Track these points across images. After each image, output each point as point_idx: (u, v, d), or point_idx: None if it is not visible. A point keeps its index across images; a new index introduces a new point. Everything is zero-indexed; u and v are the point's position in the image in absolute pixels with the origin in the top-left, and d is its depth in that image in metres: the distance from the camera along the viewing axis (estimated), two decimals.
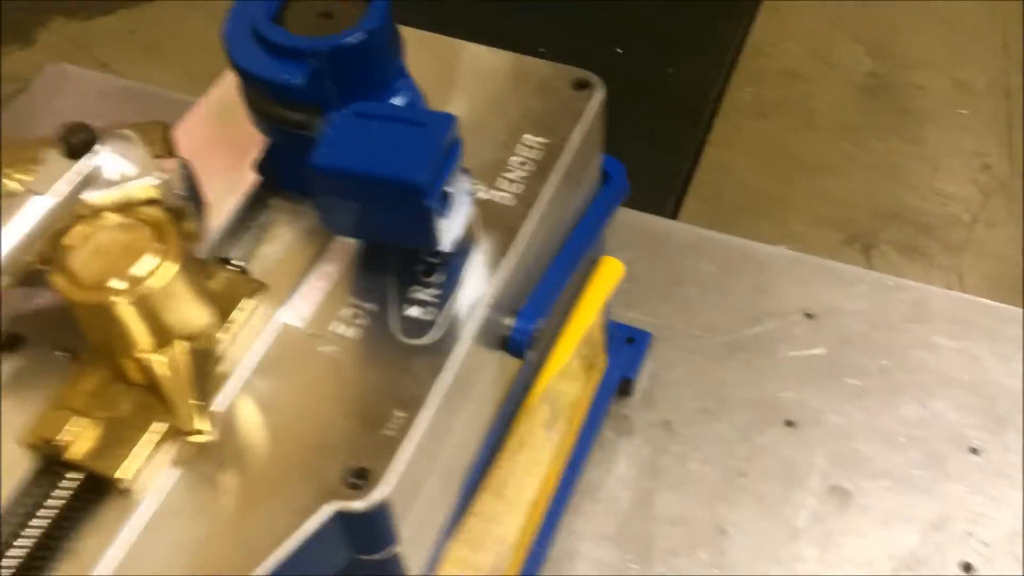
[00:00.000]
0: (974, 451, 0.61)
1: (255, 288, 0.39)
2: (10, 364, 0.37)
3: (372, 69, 0.41)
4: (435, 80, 0.46)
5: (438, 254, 0.40)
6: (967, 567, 0.56)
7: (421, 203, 0.36)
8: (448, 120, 0.37)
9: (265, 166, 0.44)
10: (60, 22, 1.88)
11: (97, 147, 0.34)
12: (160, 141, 0.38)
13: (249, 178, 0.44)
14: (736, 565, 0.58)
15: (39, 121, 0.80)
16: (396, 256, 0.41)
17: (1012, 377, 0.64)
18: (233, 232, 0.43)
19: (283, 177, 0.44)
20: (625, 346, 0.65)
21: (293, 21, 0.41)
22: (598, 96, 0.46)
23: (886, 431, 0.62)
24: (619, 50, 1.79)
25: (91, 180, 0.34)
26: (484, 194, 0.43)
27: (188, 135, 0.45)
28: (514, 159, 0.44)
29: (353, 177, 0.36)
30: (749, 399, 0.65)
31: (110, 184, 0.34)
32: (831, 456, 0.61)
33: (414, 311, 0.39)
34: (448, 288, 0.40)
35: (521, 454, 0.51)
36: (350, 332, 0.39)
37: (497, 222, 0.42)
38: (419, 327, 0.39)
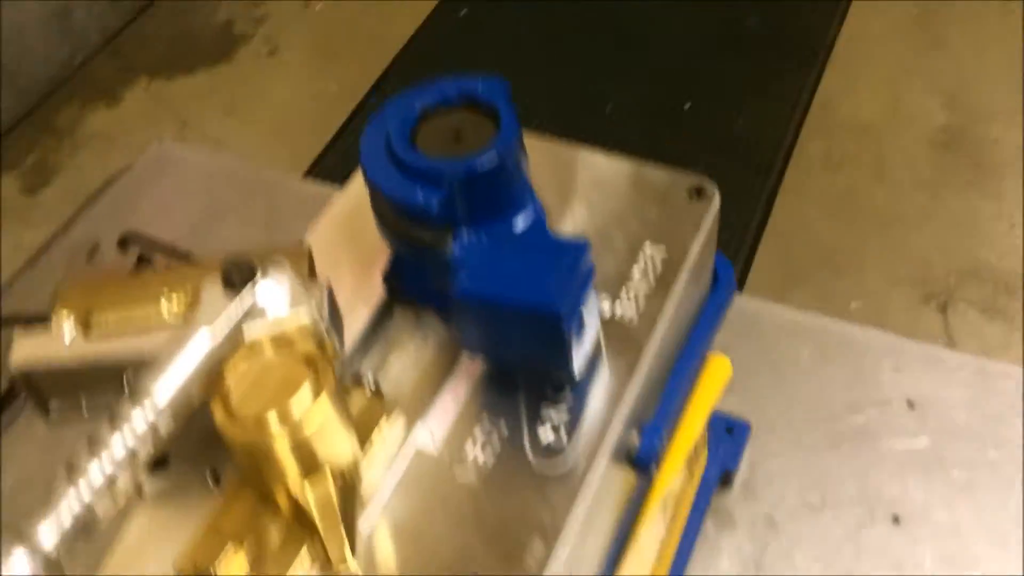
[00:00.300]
0: None
1: (390, 409, 0.40)
2: (155, 484, 0.38)
3: (503, 190, 0.42)
4: (553, 189, 0.47)
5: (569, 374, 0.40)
6: None
7: (559, 329, 0.37)
8: (583, 247, 0.38)
9: (391, 278, 0.45)
10: (144, 82, 1.94)
11: (257, 279, 0.35)
12: (305, 265, 0.39)
13: (376, 289, 0.45)
14: None
15: (145, 201, 0.83)
16: (525, 374, 0.41)
17: None
18: (363, 345, 0.43)
19: (408, 289, 0.45)
20: (725, 436, 0.65)
21: (426, 139, 0.42)
22: (714, 204, 0.47)
23: (998, 530, 0.61)
24: (688, 104, 1.79)
25: (251, 313, 0.35)
26: (608, 308, 0.43)
27: (319, 242, 0.47)
28: (635, 271, 0.44)
29: (494, 303, 0.37)
30: (853, 493, 0.64)
31: (266, 315, 0.35)
32: (941, 556, 0.60)
33: (547, 433, 0.39)
34: (578, 407, 0.40)
35: (632, 555, 0.50)
36: (483, 456, 0.39)
37: (622, 337, 0.42)
38: (552, 451, 0.39)
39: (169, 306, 0.39)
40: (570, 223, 0.46)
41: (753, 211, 1.64)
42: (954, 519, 0.62)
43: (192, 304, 0.38)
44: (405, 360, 0.43)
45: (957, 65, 1.82)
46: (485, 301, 0.37)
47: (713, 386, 0.52)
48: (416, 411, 0.41)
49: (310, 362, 0.35)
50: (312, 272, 0.39)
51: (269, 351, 0.35)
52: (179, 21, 2.10)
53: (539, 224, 0.43)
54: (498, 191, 0.42)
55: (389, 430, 0.39)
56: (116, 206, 0.86)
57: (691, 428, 0.50)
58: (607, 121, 1.79)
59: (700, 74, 1.86)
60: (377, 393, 0.41)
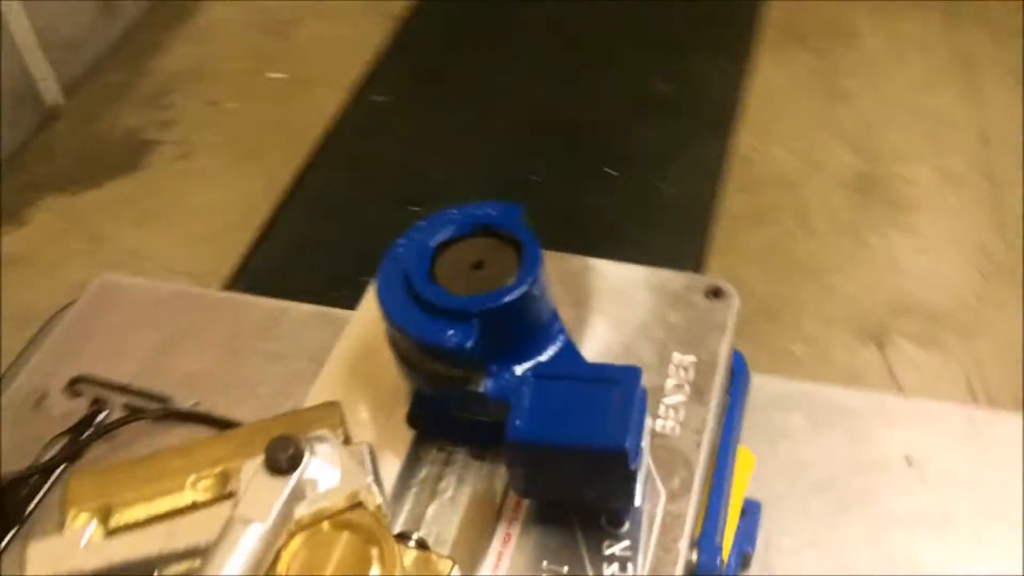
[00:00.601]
0: None
1: (446, 566, 0.38)
2: None
3: (535, 318, 0.40)
4: (572, 304, 0.46)
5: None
6: None
7: (625, 465, 0.35)
8: (636, 374, 0.37)
9: (416, 417, 0.44)
10: (52, 198, 1.87)
11: (305, 461, 0.33)
12: (339, 423, 0.37)
13: (401, 430, 0.43)
14: None
15: (93, 340, 0.78)
16: (579, 509, 0.40)
17: None
18: (398, 494, 0.41)
19: (435, 427, 0.43)
20: (739, 519, 0.64)
21: (445, 274, 0.41)
22: (735, 305, 0.46)
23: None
24: (611, 171, 1.82)
25: (300, 495, 0.32)
26: (652, 426, 0.42)
27: (331, 384, 0.45)
28: (669, 382, 0.44)
29: (554, 448, 0.35)
30: (868, 557, 0.63)
31: (316, 492, 0.33)
32: None
33: (613, 570, 0.38)
34: (638, 537, 0.39)
35: None
36: None
37: (669, 454, 0.41)
38: None
39: (195, 493, 0.36)
40: (593, 339, 0.45)
41: (685, 270, 1.66)
42: (971, 573, 0.62)
43: (223, 484, 0.35)
44: (447, 507, 0.41)
45: (859, 112, 1.90)
46: (544, 446, 0.36)
47: (744, 479, 0.51)
48: (473, 562, 0.39)
49: (372, 541, 0.32)
50: (346, 433, 0.37)
51: (327, 533, 0.33)
52: (83, 132, 2.04)
53: (570, 350, 0.42)
54: (530, 320, 0.40)
55: None
56: (61, 348, 0.80)
57: (731, 527, 0.49)
58: (535, 192, 1.80)
59: (618, 140, 1.89)
60: (426, 549, 0.39)
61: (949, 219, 1.72)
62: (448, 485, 0.42)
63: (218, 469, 0.35)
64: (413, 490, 0.42)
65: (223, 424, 0.58)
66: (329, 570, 0.31)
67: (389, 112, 2.00)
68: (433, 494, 0.42)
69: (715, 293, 0.47)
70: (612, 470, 0.35)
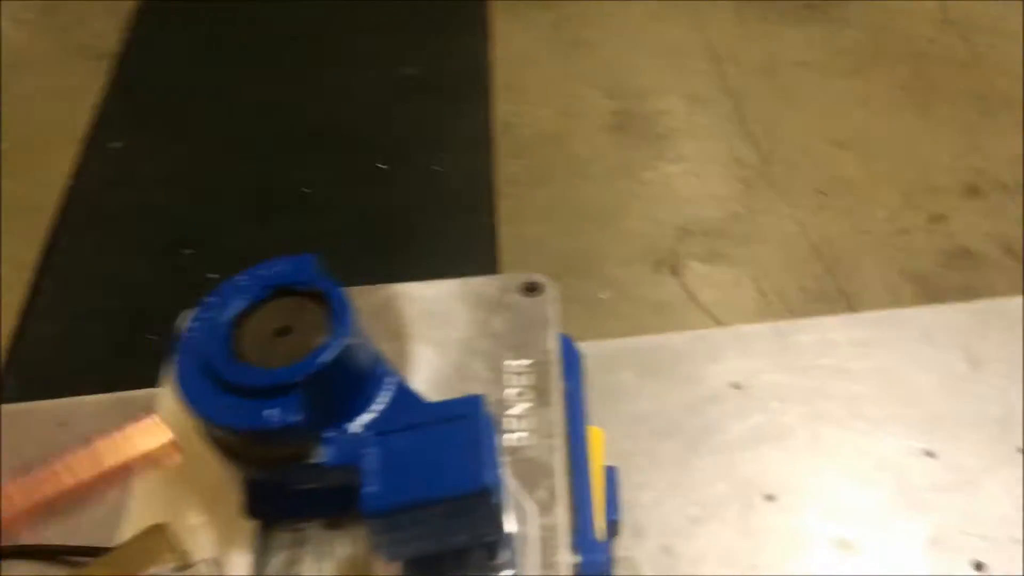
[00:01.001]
0: (930, 454, 0.66)
1: None
2: None
3: (359, 371, 0.38)
4: (389, 337, 0.44)
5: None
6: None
7: (490, 503, 0.34)
8: (477, 404, 0.35)
9: (253, 506, 0.40)
10: None
11: None
12: (171, 547, 0.34)
13: (241, 524, 0.40)
14: None
15: None
16: (451, 554, 0.38)
17: (925, 372, 0.70)
18: None
19: (278, 510, 0.40)
20: None
21: (250, 350, 0.38)
22: (552, 295, 0.46)
23: (859, 471, 0.65)
24: (383, 166, 1.80)
25: None
26: (504, 443, 0.41)
27: (146, 502, 0.41)
28: (509, 392, 0.43)
29: (415, 507, 0.34)
30: (725, 490, 0.66)
31: None
32: (823, 512, 0.64)
33: None
34: (519, 561, 0.38)
35: None
36: None
37: (529, 468, 0.40)
38: None
39: None
40: (420, 369, 0.44)
41: (479, 249, 1.67)
42: (819, 479, 0.66)
43: None
44: None
45: (603, 57, 1.97)
46: (402, 508, 0.34)
47: (598, 458, 0.52)
48: None
49: None
50: (180, 546, 0.34)
51: None
52: None
53: (404, 393, 0.40)
54: (356, 373, 0.38)
55: None
56: None
57: (599, 509, 0.49)
58: (311, 205, 1.75)
59: (381, 133, 1.87)
60: None
61: (705, 139, 1.82)
62: (307, 567, 0.39)
63: None
64: None
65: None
66: None
67: (130, 157, 1.87)
68: None
69: (530, 288, 0.46)
70: (477, 511, 0.34)
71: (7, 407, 0.75)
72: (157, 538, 0.33)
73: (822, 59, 1.93)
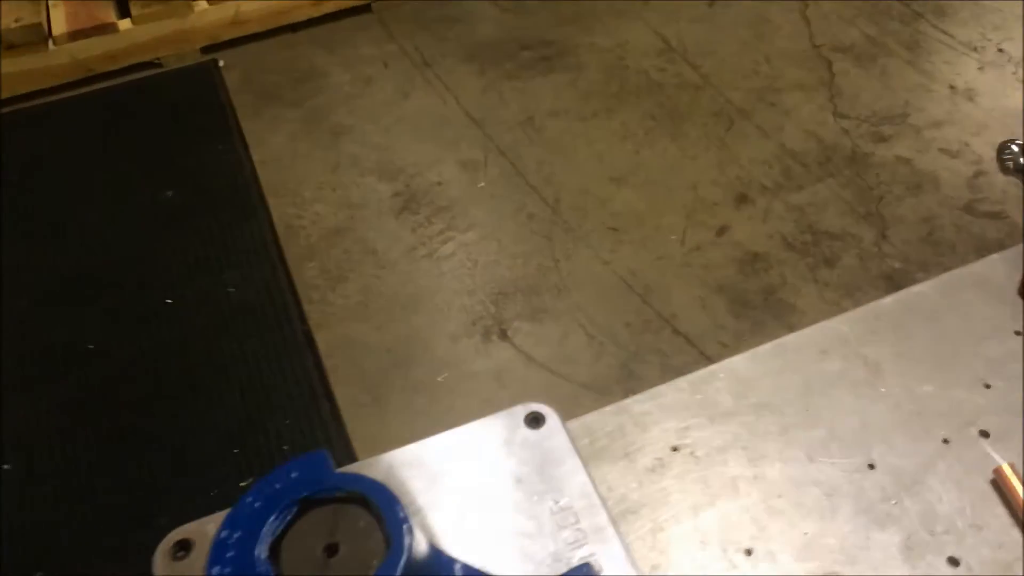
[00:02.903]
0: (871, 466, 0.69)
1: None
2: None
3: (425, 562, 0.33)
4: (418, 508, 0.39)
5: None
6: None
7: None
8: (588, 570, 0.32)
9: None
10: None
11: None
12: None
13: None
14: None
15: None
16: None
17: (835, 387, 0.73)
18: None
19: None
20: None
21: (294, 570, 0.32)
22: (558, 424, 0.43)
23: (816, 502, 0.67)
24: (168, 301, 1.66)
25: None
26: None
27: None
28: (564, 535, 0.39)
29: None
30: (707, 556, 0.65)
31: None
32: (801, 553, 0.64)
33: None
34: None
35: None
36: None
37: None
38: None
39: None
40: (462, 533, 0.39)
41: (298, 364, 1.57)
42: (786, 520, 0.67)
43: None
44: None
45: (366, 139, 1.95)
46: None
47: None
48: None
49: None
50: None
51: None
52: None
53: (472, 573, 0.35)
54: (425, 562, 0.33)
55: None
56: None
57: None
58: (98, 362, 1.58)
59: (158, 267, 1.73)
60: None
61: (492, 201, 1.84)
62: None
63: None
64: None
65: None
66: None
67: None
68: None
69: (535, 420, 0.43)
70: None
71: None
72: None
73: (574, 106, 2.03)
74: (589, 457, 0.71)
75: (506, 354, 1.58)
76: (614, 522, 0.39)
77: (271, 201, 1.85)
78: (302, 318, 1.64)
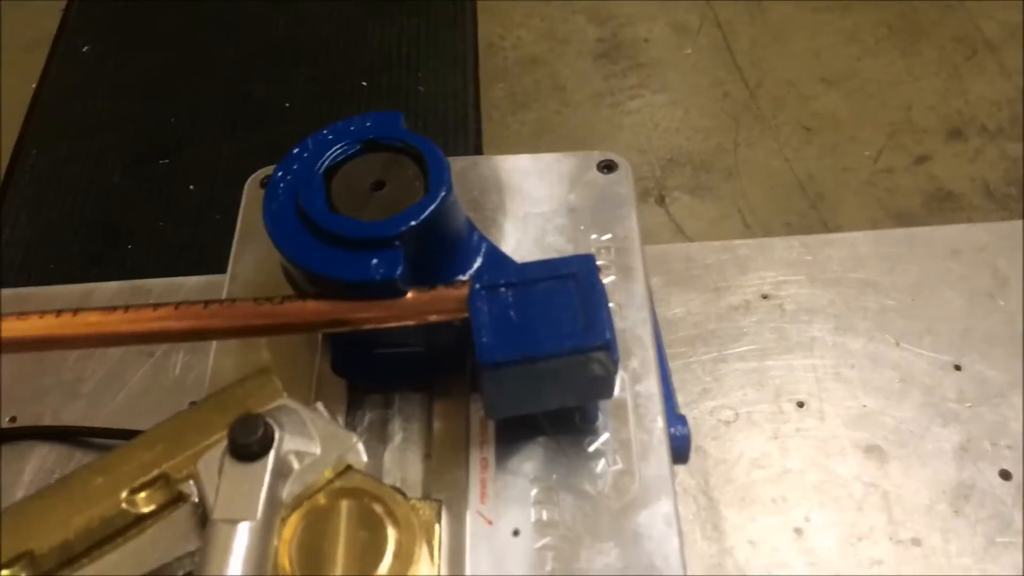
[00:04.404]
0: (958, 368, 0.67)
1: (430, 511, 0.34)
2: None
3: (455, 230, 0.37)
4: (468, 208, 0.42)
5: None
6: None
7: (611, 360, 0.33)
8: (591, 262, 0.34)
9: (343, 367, 0.39)
10: None
11: (279, 438, 0.28)
12: (280, 391, 0.32)
13: (334, 381, 0.39)
14: None
15: None
16: (548, 416, 0.37)
17: (952, 288, 0.70)
18: None
19: (365, 370, 0.39)
20: None
21: (345, 203, 0.36)
22: (628, 174, 0.45)
23: (885, 382, 0.66)
24: (364, 83, 1.75)
25: (281, 476, 0.28)
26: None
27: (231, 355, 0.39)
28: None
29: (532, 361, 0.32)
30: (757, 397, 0.66)
31: (298, 469, 0.28)
32: (852, 422, 0.64)
33: (604, 466, 0.36)
34: (616, 427, 0.37)
35: None
36: (555, 514, 0.35)
37: (622, 338, 0.39)
38: (619, 482, 0.35)
39: (136, 507, 0.30)
40: (501, 241, 0.42)
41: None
42: (848, 389, 0.66)
43: (168, 490, 0.29)
44: (402, 449, 0.37)
45: None
46: (520, 360, 0.32)
47: None
48: (456, 499, 0.35)
49: (375, 500, 0.28)
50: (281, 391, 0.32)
51: (323, 507, 0.28)
52: None
53: (498, 255, 0.38)
54: (453, 232, 0.37)
55: (444, 531, 0.34)
56: None
57: None
58: (288, 119, 1.70)
59: (361, 49, 1.81)
60: (404, 496, 0.35)
61: (691, 70, 1.80)
62: (396, 428, 0.38)
63: (154, 474, 0.29)
64: (369, 444, 0.37)
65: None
66: (340, 546, 0.27)
67: (99, 62, 1.79)
68: (383, 440, 0.37)
69: (608, 167, 0.45)
70: (596, 368, 0.33)
71: (7, 291, 0.71)
72: (265, 381, 0.31)
73: None
74: (679, 281, 0.73)
75: (658, 219, 1.58)
76: (645, 265, 0.41)
77: (481, 16, 1.87)
78: (478, 132, 1.69)
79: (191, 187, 1.55)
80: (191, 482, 0.29)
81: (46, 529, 0.29)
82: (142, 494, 0.29)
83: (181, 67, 1.75)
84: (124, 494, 0.29)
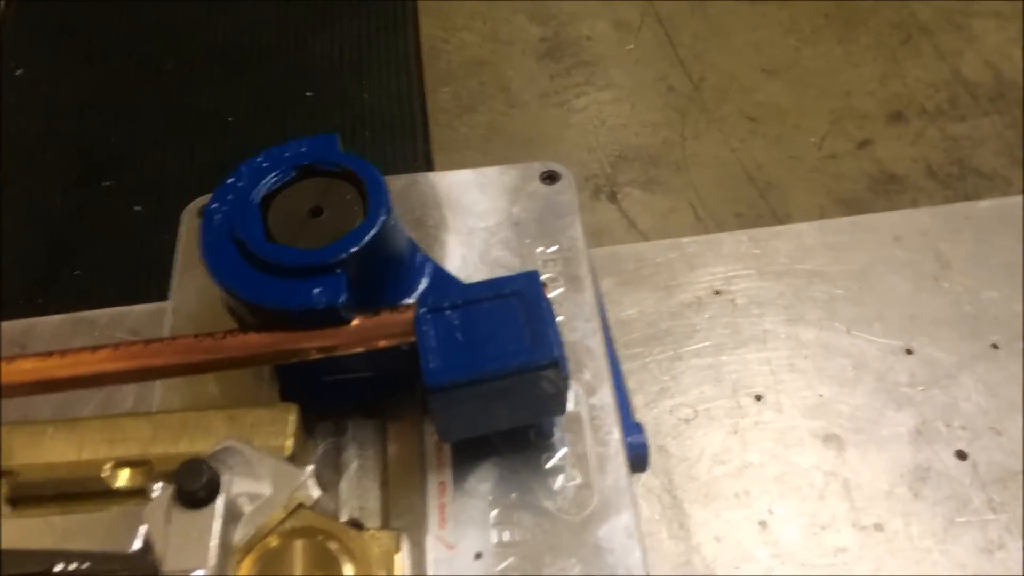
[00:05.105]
0: (908, 352, 0.68)
1: (390, 541, 0.33)
2: None
3: (398, 252, 0.36)
4: (411, 226, 0.42)
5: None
6: None
7: (560, 376, 0.33)
8: (535, 279, 0.34)
9: (291, 392, 0.38)
10: None
11: (224, 481, 0.27)
12: (286, 432, 0.31)
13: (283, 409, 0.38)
14: None
15: None
16: (502, 435, 0.37)
17: (898, 273, 0.71)
18: None
19: (314, 397, 0.38)
20: None
21: (283, 231, 0.35)
22: (571, 183, 0.45)
23: (839, 370, 0.67)
24: (308, 93, 1.73)
25: (232, 519, 0.27)
26: None
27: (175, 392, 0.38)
28: (543, 278, 0.41)
29: (480, 382, 0.32)
30: (715, 393, 0.67)
31: (249, 511, 0.27)
32: (810, 412, 0.65)
33: (562, 481, 0.36)
34: (573, 441, 0.37)
35: None
36: (516, 534, 0.34)
37: (573, 350, 0.39)
38: (579, 496, 0.35)
39: (113, 478, 0.29)
40: (446, 259, 0.42)
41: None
42: (804, 379, 0.67)
43: (147, 476, 0.29)
44: (358, 477, 0.37)
45: None
46: (468, 382, 0.32)
47: None
48: (415, 525, 0.35)
49: (329, 538, 0.28)
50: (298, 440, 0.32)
51: (277, 548, 0.27)
52: None
53: (444, 276, 0.38)
54: (396, 255, 0.36)
55: (405, 560, 0.33)
56: None
57: None
58: (235, 135, 1.67)
59: (299, 59, 1.79)
60: (361, 527, 0.34)
61: (635, 66, 1.81)
62: (351, 455, 0.37)
63: (142, 455, 0.29)
64: (323, 470, 0.37)
65: None
66: None
67: (30, 82, 1.75)
68: (338, 470, 0.37)
69: (550, 178, 0.44)
70: (546, 386, 0.33)
71: None
72: (279, 418, 0.31)
73: None
74: (631, 281, 0.73)
75: (610, 215, 1.59)
76: (593, 274, 0.41)
77: (422, 20, 1.87)
78: (426, 137, 1.68)
79: (136, 208, 1.52)
80: (160, 483, 0.28)
81: (35, 456, 0.29)
82: (125, 470, 0.29)
83: (119, 81, 1.72)
84: (110, 464, 0.29)
